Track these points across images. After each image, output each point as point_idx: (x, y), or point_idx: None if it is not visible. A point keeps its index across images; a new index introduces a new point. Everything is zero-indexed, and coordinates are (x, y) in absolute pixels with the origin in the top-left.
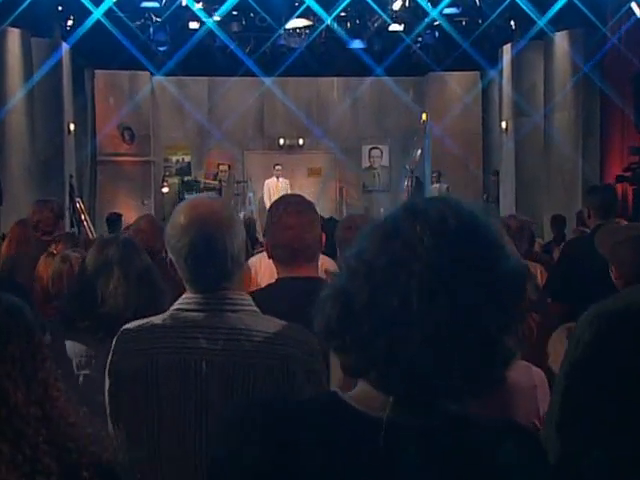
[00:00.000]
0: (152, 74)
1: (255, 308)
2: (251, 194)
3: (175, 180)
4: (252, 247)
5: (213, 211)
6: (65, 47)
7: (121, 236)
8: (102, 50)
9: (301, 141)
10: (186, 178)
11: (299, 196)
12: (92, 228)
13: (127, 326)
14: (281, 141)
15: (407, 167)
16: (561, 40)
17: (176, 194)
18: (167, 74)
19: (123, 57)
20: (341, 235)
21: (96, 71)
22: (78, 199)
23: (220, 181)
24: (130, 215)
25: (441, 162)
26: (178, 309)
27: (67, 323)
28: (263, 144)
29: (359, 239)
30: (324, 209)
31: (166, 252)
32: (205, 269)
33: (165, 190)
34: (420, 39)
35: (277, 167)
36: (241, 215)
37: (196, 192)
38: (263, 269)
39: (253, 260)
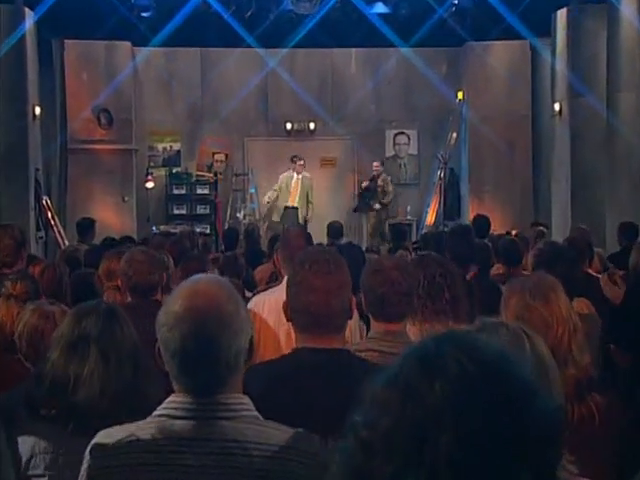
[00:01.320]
0: (134, 45)
1: (255, 413)
2: (253, 189)
3: (162, 172)
4: (254, 260)
5: (214, 302)
6: (29, 14)
7: (103, 304)
8: (73, 17)
9: (312, 125)
10: (175, 170)
11: (329, 252)
12: (62, 232)
13: (104, 439)
14: (288, 125)
15: (439, 156)
16: (628, 4)
17: (163, 189)
18: (152, 45)
19: (99, 25)
20: (368, 284)
21: (66, 42)
22: (45, 197)
23: (216, 174)
24: (108, 215)
25: (480, 151)
26: (164, 415)
27: (29, 409)
28: (267, 129)
29: (368, 402)
30: (340, 207)
31: (162, 289)
32: (195, 371)
33: (149, 185)
34: (456, 2)
35: (298, 161)
36: (240, 215)
37: (187, 186)
38: (267, 314)
39: (256, 301)
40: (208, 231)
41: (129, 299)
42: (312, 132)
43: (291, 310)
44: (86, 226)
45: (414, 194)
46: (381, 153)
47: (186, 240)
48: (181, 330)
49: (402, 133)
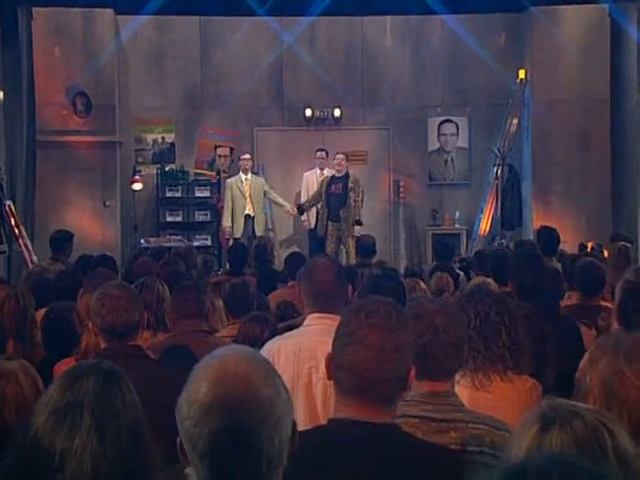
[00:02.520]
0: (118, 14)
1: None
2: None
3: (152, 170)
4: (267, 284)
5: (250, 386)
6: None
7: (105, 364)
8: None
9: (337, 112)
10: (168, 167)
11: (393, 305)
12: (30, 245)
13: None
14: (308, 112)
15: (496, 150)
16: None
17: (153, 191)
18: (140, 14)
19: None
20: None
21: (34, 10)
22: (9, 202)
23: (219, 172)
24: (85, 224)
25: (546, 143)
26: None
27: None
28: (282, 117)
29: None
30: (372, 211)
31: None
32: (231, 475)
33: (137, 186)
34: None
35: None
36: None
37: (183, 188)
38: (283, 365)
39: (269, 347)
40: (209, 243)
41: (102, 344)
42: (337, 120)
43: (335, 366)
44: (62, 241)
45: (464, 197)
46: (422, 146)
47: (181, 261)
48: (211, 425)
49: (449, 121)
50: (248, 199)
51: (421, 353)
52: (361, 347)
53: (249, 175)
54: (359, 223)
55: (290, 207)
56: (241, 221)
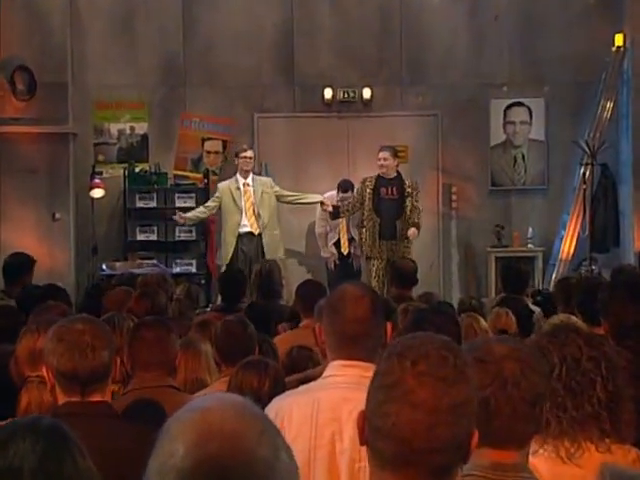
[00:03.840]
0: None
1: None
2: None
3: (117, 172)
4: (273, 326)
5: (242, 448)
6: None
7: (45, 421)
8: None
9: (367, 93)
10: (139, 168)
11: (449, 344)
12: None
13: None
14: (328, 93)
15: (583, 144)
16: None
17: (119, 199)
18: None
19: None
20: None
21: None
22: None
23: (207, 174)
24: (28, 243)
25: None
26: None
27: None
28: (293, 99)
29: None
30: (423, 225)
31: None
32: None
33: (97, 193)
34: None
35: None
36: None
37: (159, 195)
38: (295, 430)
39: (277, 407)
40: (194, 269)
41: (59, 400)
42: (367, 104)
43: (370, 430)
44: (18, 269)
45: (539, 208)
46: (482, 138)
47: (163, 293)
48: None
49: (519, 105)
50: (250, 211)
51: (483, 411)
52: (406, 405)
53: (250, 179)
54: (416, 226)
55: (325, 199)
56: (231, 242)
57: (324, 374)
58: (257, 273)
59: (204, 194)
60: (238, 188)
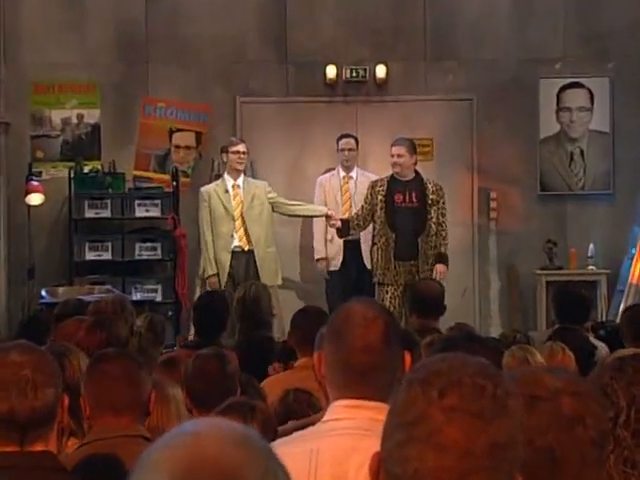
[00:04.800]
0: None
1: None
2: None
3: (61, 172)
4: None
5: (231, 475)
6: None
7: None
8: None
9: (381, 71)
10: (89, 167)
11: (481, 369)
12: None
13: None
14: (331, 71)
15: None
16: None
17: (62, 208)
18: None
19: None
20: None
21: None
22: None
23: (175, 174)
24: None
25: None
26: None
27: None
28: (286, 79)
29: None
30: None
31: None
32: None
33: (35, 200)
34: None
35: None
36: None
37: (115, 202)
38: None
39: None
40: (159, 297)
41: None
42: (381, 85)
43: (387, 477)
44: None
45: (602, 218)
46: (529, 128)
47: (122, 323)
48: None
49: (577, 86)
50: (240, 220)
51: (548, 463)
52: (432, 448)
53: (240, 180)
54: (443, 259)
55: (329, 211)
56: (225, 259)
57: (324, 417)
58: (240, 299)
59: (172, 201)
60: (227, 191)
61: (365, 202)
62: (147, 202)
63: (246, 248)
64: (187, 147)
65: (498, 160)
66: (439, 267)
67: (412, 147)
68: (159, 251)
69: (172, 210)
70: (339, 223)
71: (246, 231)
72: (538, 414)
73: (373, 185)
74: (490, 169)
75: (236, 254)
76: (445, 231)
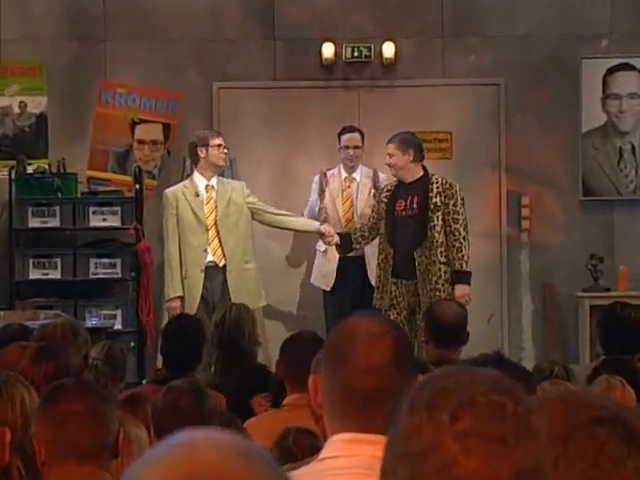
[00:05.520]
0: None
1: None
2: None
3: None
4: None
5: None
6: None
7: None
8: None
9: (389, 49)
10: (33, 166)
11: (501, 385)
12: None
13: None
14: (328, 50)
15: None
16: None
17: (1, 216)
18: None
19: None
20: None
21: None
22: None
23: (138, 175)
24: None
25: None
26: None
27: None
28: (273, 61)
29: None
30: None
31: None
32: None
33: None
34: None
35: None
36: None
37: (65, 209)
38: None
39: None
40: (118, 325)
41: None
42: (389, 67)
43: None
44: None
45: None
46: (569, 119)
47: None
48: None
49: (627, 67)
50: (213, 230)
51: None
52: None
53: (215, 180)
54: (461, 278)
55: (325, 227)
56: (197, 278)
57: (321, 455)
58: (218, 324)
59: (135, 208)
60: (197, 194)
61: (372, 210)
62: (104, 209)
63: (221, 264)
64: (153, 142)
65: (531, 158)
66: (458, 290)
67: (404, 142)
68: (118, 269)
69: (135, 219)
70: (337, 238)
71: (221, 243)
72: (575, 439)
73: (381, 190)
74: (522, 169)
75: (210, 271)
76: (460, 241)
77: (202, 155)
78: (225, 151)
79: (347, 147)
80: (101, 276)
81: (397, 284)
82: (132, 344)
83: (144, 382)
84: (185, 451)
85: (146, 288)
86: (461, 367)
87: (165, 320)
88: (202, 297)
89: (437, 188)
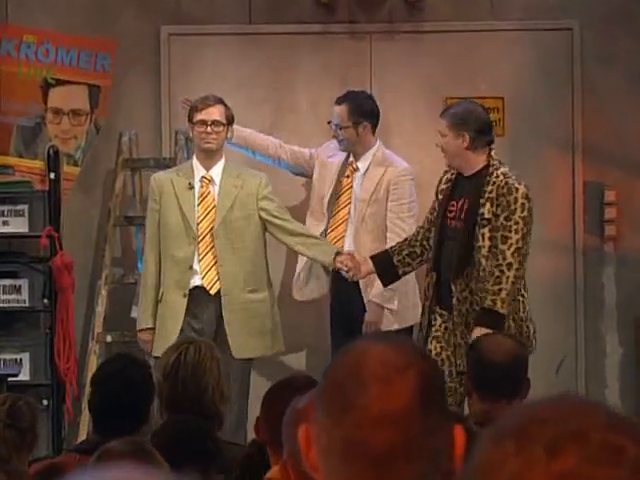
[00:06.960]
0: None
1: None
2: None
3: None
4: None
5: None
6: None
7: None
8: None
9: None
10: None
11: (618, 425)
12: None
13: None
14: None
15: None
16: None
17: None
18: None
19: None
20: None
21: None
22: None
23: (53, 160)
24: None
25: None
26: None
27: None
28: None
29: None
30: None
31: None
32: None
33: None
34: None
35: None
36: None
37: None
38: None
39: None
40: (25, 377)
41: None
42: (414, 5)
43: None
44: None
45: None
46: None
47: None
48: None
49: None
50: (208, 240)
51: None
52: None
53: (218, 169)
54: (490, 322)
55: (343, 260)
56: (177, 304)
57: None
58: (168, 372)
59: (48, 207)
60: (191, 187)
61: (430, 213)
62: (4, 209)
63: (212, 290)
64: (74, 112)
65: (619, 136)
66: (476, 333)
67: (458, 121)
68: (25, 294)
69: (49, 222)
70: (364, 270)
71: (215, 261)
72: None
73: (440, 179)
74: (604, 150)
75: (197, 297)
76: (502, 270)
77: (190, 135)
78: (215, 129)
79: (330, 123)
80: (2, 305)
81: (443, 316)
82: (44, 402)
83: (63, 452)
84: None
85: (65, 322)
86: (562, 395)
87: (92, 368)
88: (184, 330)
89: (490, 193)
